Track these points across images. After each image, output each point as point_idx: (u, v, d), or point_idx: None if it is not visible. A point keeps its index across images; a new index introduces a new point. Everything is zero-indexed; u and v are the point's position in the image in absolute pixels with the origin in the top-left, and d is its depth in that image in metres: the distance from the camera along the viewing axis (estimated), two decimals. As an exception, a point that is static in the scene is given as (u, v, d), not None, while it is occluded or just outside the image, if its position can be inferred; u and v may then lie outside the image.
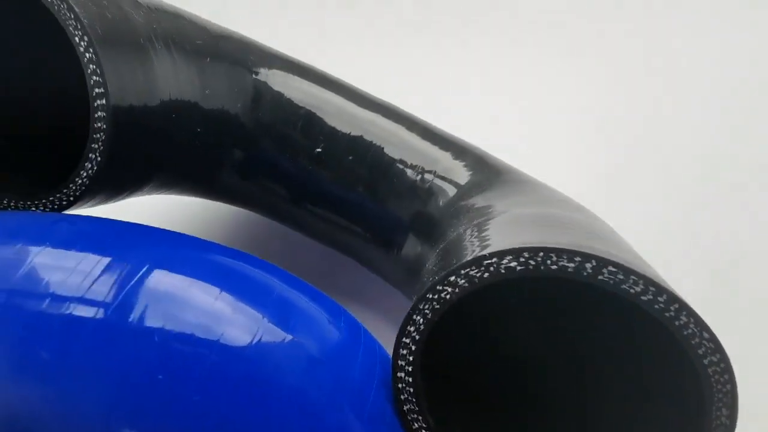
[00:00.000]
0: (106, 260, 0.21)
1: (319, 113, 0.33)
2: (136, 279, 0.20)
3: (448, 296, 0.20)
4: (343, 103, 0.33)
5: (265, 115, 0.32)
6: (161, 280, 0.21)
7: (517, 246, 0.19)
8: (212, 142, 0.30)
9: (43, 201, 0.25)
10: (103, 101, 0.23)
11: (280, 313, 0.22)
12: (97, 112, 0.23)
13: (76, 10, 0.22)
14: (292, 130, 0.32)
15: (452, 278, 0.20)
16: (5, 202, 0.25)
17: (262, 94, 0.32)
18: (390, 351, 0.22)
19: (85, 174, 0.24)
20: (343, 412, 0.21)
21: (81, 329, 0.19)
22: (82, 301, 0.20)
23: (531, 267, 0.19)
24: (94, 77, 0.23)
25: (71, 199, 0.24)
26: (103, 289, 0.20)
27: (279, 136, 0.32)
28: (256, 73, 0.32)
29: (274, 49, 0.34)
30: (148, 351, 0.19)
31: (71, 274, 0.20)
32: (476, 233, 0.23)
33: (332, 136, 0.32)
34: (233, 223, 0.42)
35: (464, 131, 0.35)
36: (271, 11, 0.54)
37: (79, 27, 0.22)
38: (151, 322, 0.20)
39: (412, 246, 0.31)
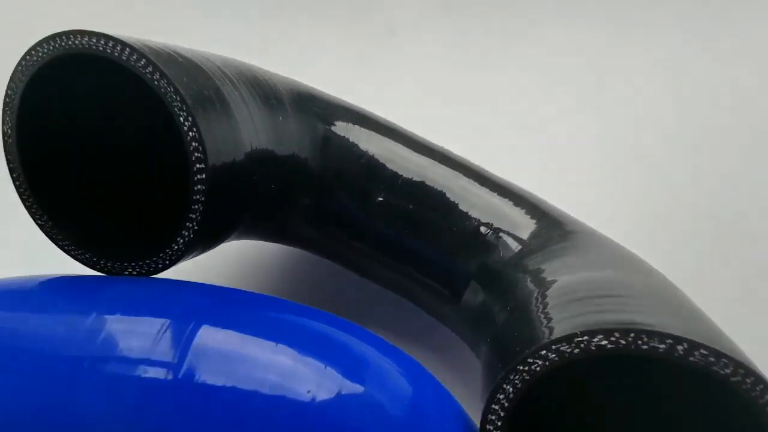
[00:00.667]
0: (180, 323, 0.22)
1: (381, 160, 0.34)
2: (200, 339, 0.22)
3: (537, 368, 0.21)
4: (403, 151, 0.34)
5: (331, 162, 0.33)
6: (226, 339, 0.22)
7: (609, 326, 0.20)
8: (285, 189, 0.32)
9: (140, 264, 0.26)
10: (203, 165, 0.24)
11: (355, 368, 0.23)
12: (196, 176, 0.24)
13: (175, 84, 0.23)
14: (356, 178, 0.33)
15: (543, 352, 0.21)
16: (102, 263, 0.27)
17: (329, 142, 0.33)
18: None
19: (182, 241, 0.25)
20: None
21: (156, 391, 0.21)
22: (153, 363, 0.21)
23: (621, 346, 0.20)
24: (193, 143, 0.24)
25: (167, 263, 0.26)
26: (171, 350, 0.21)
27: (344, 183, 0.33)
28: (323, 123, 0.33)
29: (339, 99, 0.36)
30: (216, 409, 0.21)
31: (144, 338, 0.22)
32: (554, 300, 0.24)
33: (393, 183, 0.33)
34: (281, 260, 0.44)
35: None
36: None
37: (178, 99, 0.23)
38: (218, 380, 0.21)
39: (472, 294, 0.32)
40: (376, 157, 0.34)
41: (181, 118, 0.23)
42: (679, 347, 0.19)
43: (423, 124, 0.38)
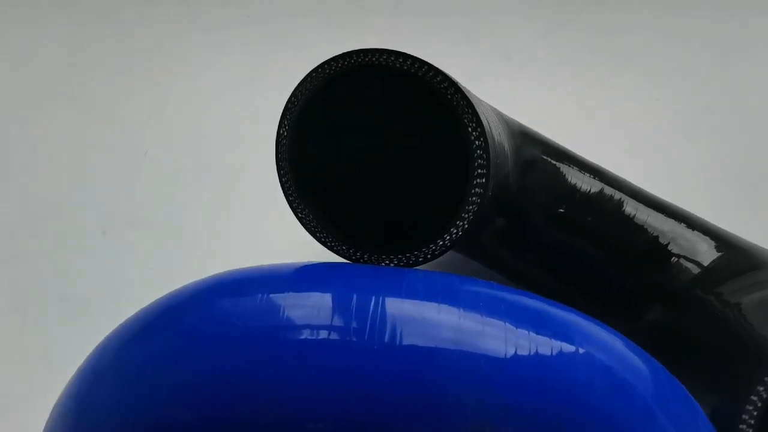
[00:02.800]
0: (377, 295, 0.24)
1: (572, 191, 0.37)
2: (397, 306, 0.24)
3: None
4: (592, 181, 0.37)
5: (528, 191, 0.36)
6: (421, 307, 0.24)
7: None
8: (490, 210, 0.34)
9: (407, 255, 0.29)
10: (484, 171, 0.27)
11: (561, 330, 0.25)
12: (476, 180, 0.27)
13: (468, 98, 0.27)
14: (547, 202, 0.36)
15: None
16: (366, 257, 0.29)
17: (529, 171, 0.36)
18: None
19: (449, 238, 0.28)
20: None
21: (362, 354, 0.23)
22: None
23: None
24: (478, 151, 0.27)
25: (428, 256, 0.29)
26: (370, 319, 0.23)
27: (536, 208, 0.36)
28: (527, 153, 0.37)
29: (540, 134, 0.39)
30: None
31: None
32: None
33: (581, 203, 0.36)
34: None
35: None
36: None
37: (469, 111, 0.27)
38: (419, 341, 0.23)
39: (653, 314, 0.35)
40: (567, 189, 0.36)
41: (470, 129, 0.27)
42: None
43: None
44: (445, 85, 0.27)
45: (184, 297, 0.25)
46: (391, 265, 0.29)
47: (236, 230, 0.52)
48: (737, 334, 0.29)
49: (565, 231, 0.37)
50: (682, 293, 0.34)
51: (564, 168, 0.37)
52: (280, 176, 0.30)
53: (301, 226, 0.31)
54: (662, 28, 0.62)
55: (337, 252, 0.30)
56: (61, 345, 0.46)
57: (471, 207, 0.27)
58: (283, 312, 0.24)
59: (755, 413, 0.25)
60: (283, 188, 0.30)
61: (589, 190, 0.36)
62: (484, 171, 0.27)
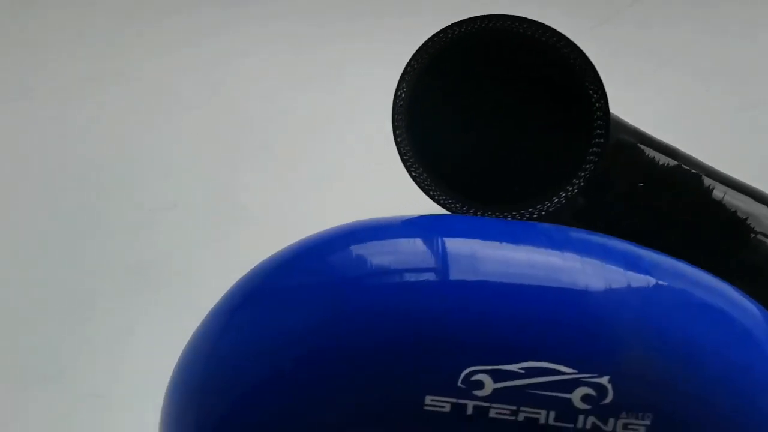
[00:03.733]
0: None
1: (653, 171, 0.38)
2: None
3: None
4: (668, 159, 0.39)
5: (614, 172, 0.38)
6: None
7: None
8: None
9: (529, 209, 0.30)
10: (602, 132, 0.29)
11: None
12: (594, 140, 0.29)
13: (590, 63, 0.29)
14: (628, 177, 0.38)
15: None
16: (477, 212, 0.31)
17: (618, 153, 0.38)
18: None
19: (564, 195, 0.30)
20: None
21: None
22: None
23: None
24: (599, 112, 0.29)
25: (543, 213, 0.30)
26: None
27: (615, 183, 0.38)
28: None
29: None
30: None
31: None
32: None
33: (659, 179, 0.38)
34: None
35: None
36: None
37: (590, 75, 0.29)
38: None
39: None
40: (649, 170, 0.38)
41: (591, 91, 0.28)
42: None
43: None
44: (567, 50, 0.29)
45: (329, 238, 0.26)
46: (514, 216, 0.30)
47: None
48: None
49: (643, 207, 0.38)
50: (763, 268, 0.36)
51: (642, 146, 0.39)
52: (396, 136, 0.31)
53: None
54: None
55: (449, 209, 0.31)
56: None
57: (588, 166, 0.29)
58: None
59: None
60: (397, 147, 0.31)
61: (667, 165, 0.38)
62: (603, 132, 0.29)
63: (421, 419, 0.22)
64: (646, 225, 0.38)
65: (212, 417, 0.24)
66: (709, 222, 0.37)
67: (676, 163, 0.38)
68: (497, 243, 0.26)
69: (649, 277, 0.25)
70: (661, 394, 0.22)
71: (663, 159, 0.38)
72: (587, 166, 0.29)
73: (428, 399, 0.22)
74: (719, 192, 0.38)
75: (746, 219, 0.37)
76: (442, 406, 0.22)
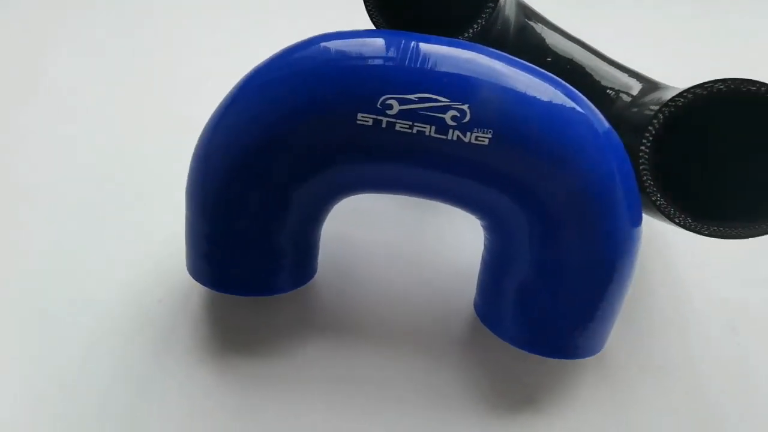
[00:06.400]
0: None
1: (549, 41, 0.52)
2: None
3: (680, 103, 0.40)
4: (563, 40, 0.53)
5: (520, 42, 0.52)
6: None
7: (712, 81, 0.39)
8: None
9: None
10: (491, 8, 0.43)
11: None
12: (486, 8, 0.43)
13: None
14: (535, 50, 0.52)
15: (680, 97, 0.39)
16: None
17: (524, 30, 0.52)
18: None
19: (472, 31, 0.44)
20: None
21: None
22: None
23: (732, 87, 0.38)
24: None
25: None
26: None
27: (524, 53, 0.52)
28: (525, 17, 0.52)
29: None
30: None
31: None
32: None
33: (555, 57, 0.52)
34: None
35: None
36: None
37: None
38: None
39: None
40: (547, 40, 0.52)
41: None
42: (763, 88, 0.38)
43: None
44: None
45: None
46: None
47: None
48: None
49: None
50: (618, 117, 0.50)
51: (549, 32, 0.53)
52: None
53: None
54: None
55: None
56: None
57: (485, 15, 0.43)
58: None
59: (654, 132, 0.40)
60: None
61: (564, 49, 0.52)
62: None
63: (354, 128, 0.36)
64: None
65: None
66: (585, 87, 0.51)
67: (570, 57, 0.52)
68: (425, 36, 0.40)
69: (516, 69, 0.39)
70: (498, 118, 0.36)
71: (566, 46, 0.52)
72: (484, 14, 0.43)
73: (359, 115, 0.36)
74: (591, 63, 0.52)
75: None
76: (367, 121, 0.36)
